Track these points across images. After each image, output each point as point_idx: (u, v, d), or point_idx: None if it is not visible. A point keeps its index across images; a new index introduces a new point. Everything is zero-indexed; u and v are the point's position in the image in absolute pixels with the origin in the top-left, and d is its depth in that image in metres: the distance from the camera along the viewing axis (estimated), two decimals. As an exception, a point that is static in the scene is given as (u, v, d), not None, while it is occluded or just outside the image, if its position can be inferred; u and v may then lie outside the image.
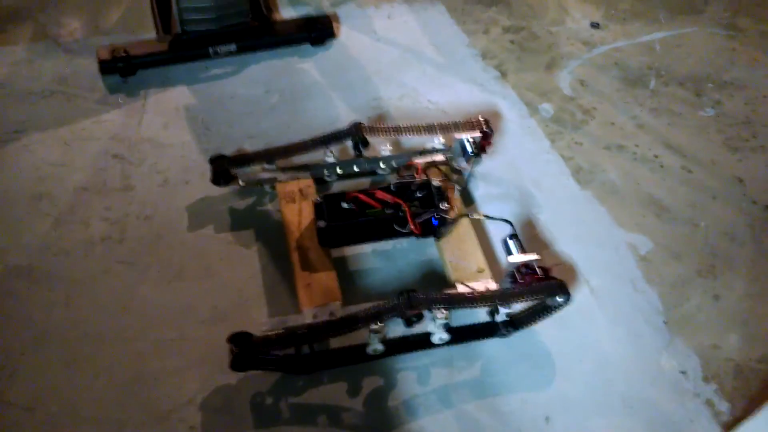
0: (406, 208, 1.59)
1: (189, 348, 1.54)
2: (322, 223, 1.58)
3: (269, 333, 1.38)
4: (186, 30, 2.16)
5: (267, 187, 1.81)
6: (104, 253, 1.70)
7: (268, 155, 1.76)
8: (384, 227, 1.62)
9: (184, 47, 2.18)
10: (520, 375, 1.53)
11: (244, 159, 1.77)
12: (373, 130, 1.78)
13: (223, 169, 1.74)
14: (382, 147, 1.83)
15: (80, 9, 2.40)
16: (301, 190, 1.76)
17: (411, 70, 2.25)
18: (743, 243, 1.81)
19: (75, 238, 1.73)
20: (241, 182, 1.77)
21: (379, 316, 1.39)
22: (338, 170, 1.83)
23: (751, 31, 2.47)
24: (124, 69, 2.13)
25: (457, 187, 1.78)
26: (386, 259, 1.72)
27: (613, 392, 1.51)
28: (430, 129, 1.79)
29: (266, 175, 1.79)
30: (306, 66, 2.24)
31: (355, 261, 1.73)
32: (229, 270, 1.68)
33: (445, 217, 1.61)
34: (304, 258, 1.61)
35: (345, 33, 2.37)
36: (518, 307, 1.51)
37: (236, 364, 1.36)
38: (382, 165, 1.85)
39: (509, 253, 1.55)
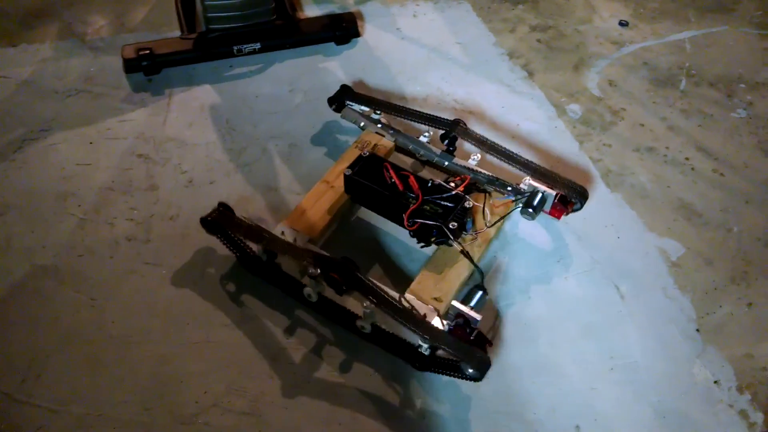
0: (416, 204, 1.57)
1: (214, 351, 1.53)
2: (348, 171, 1.65)
3: (244, 218, 1.60)
4: (210, 28, 2.15)
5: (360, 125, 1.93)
6: (129, 254, 1.70)
7: (378, 104, 1.90)
8: (393, 208, 1.61)
9: (208, 46, 2.17)
10: (548, 384, 1.50)
11: (359, 97, 1.94)
12: (469, 135, 1.77)
13: (343, 96, 1.93)
14: (473, 155, 1.78)
15: (105, 7, 2.40)
16: (376, 145, 1.84)
17: (436, 69, 2.23)
18: (777, 249, 1.77)
19: (100, 238, 1.73)
20: (343, 114, 1.94)
21: (302, 257, 1.49)
22: (420, 152, 1.84)
23: (784, 30, 2.42)
24: (148, 68, 2.13)
25: (486, 220, 1.67)
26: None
27: (645, 402, 1.48)
28: (521, 164, 1.70)
29: (364, 122, 1.91)
30: (330, 65, 2.23)
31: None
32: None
33: (444, 231, 1.54)
34: (322, 192, 1.72)
35: (369, 31, 2.35)
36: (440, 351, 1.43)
37: (206, 222, 1.60)
38: (456, 166, 1.79)
39: (464, 299, 1.47)
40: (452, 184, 1.61)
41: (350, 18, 2.31)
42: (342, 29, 2.27)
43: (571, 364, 1.53)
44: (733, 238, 1.79)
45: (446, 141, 1.81)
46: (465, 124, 1.80)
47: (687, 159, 1.98)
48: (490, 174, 1.74)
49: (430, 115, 1.83)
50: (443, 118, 1.82)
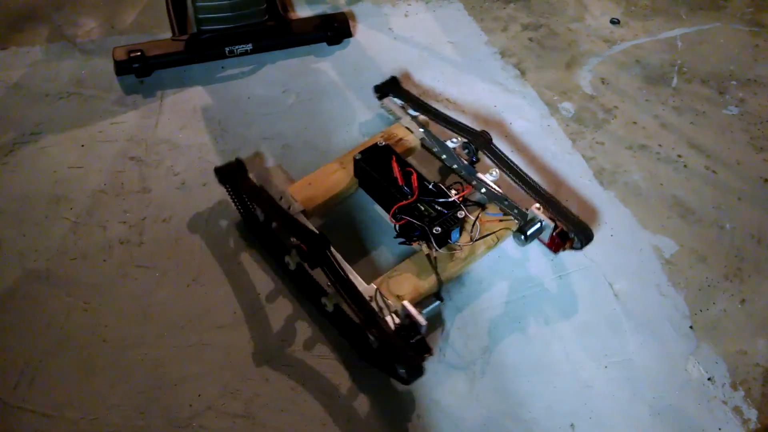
0: (408, 201, 1.57)
1: (208, 353, 1.53)
2: (358, 156, 1.71)
3: (252, 178, 1.67)
4: (202, 30, 2.14)
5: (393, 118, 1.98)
6: (122, 257, 1.69)
7: (416, 102, 1.94)
8: (387, 200, 1.63)
9: (200, 47, 2.17)
10: (543, 382, 1.50)
11: (402, 92, 1.99)
12: (492, 151, 1.77)
13: (388, 87, 1.99)
14: (493, 170, 1.76)
15: (96, 9, 2.39)
16: (401, 139, 1.85)
17: (429, 69, 2.23)
18: (770, 245, 1.77)
19: (93, 241, 1.72)
20: (383, 104, 2.00)
21: (285, 226, 1.53)
22: (443, 156, 1.82)
23: (775, 26, 2.43)
24: (140, 70, 2.12)
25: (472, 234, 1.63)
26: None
27: (640, 399, 1.48)
28: (536, 192, 1.67)
29: (400, 114, 1.94)
30: (322, 65, 2.22)
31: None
32: (248, 273, 1.67)
33: (427, 234, 1.54)
34: (334, 170, 1.77)
35: (361, 31, 2.35)
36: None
37: (219, 171, 1.69)
38: (472, 177, 1.77)
39: (417, 303, 1.46)
40: (453, 191, 1.61)
41: (342, 18, 2.31)
42: (334, 29, 2.27)
43: (565, 363, 1.54)
44: (726, 235, 1.79)
45: (466, 150, 1.82)
46: (489, 137, 1.79)
47: (679, 156, 1.98)
48: (499, 191, 1.70)
49: (458, 122, 1.84)
50: (469, 127, 1.82)
